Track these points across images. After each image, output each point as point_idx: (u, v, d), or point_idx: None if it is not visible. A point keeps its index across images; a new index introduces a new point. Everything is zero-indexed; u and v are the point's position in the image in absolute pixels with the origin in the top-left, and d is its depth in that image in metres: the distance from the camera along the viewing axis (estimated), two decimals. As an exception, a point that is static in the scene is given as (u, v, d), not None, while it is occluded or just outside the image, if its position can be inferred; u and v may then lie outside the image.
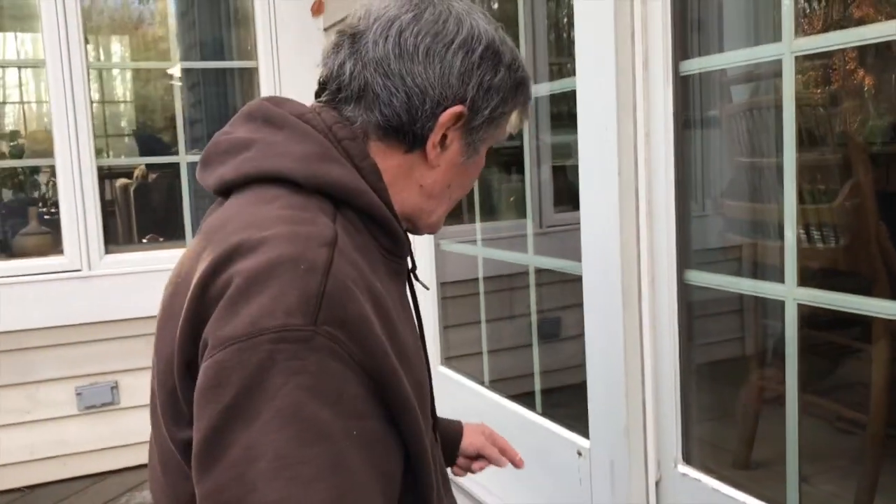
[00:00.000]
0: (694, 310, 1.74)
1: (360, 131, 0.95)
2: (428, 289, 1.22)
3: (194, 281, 0.84)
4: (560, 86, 2.13)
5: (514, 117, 1.04)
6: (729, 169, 2.38)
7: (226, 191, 0.96)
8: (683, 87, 1.66)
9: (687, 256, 1.67)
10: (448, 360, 2.87)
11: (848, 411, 2.33)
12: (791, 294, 1.43)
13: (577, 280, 3.37)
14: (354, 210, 0.91)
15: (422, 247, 2.81)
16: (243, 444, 0.75)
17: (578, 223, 1.81)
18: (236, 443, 0.75)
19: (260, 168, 0.92)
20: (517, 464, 1.39)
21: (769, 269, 2.10)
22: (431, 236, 2.82)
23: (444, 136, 0.97)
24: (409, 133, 0.95)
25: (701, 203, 2.26)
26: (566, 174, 3.89)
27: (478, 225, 2.73)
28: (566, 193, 3.79)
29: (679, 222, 1.66)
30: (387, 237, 0.94)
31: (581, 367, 2.14)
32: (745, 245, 2.25)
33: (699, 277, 1.65)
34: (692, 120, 1.75)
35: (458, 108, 0.94)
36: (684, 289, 1.67)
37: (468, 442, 1.38)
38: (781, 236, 1.48)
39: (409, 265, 1.04)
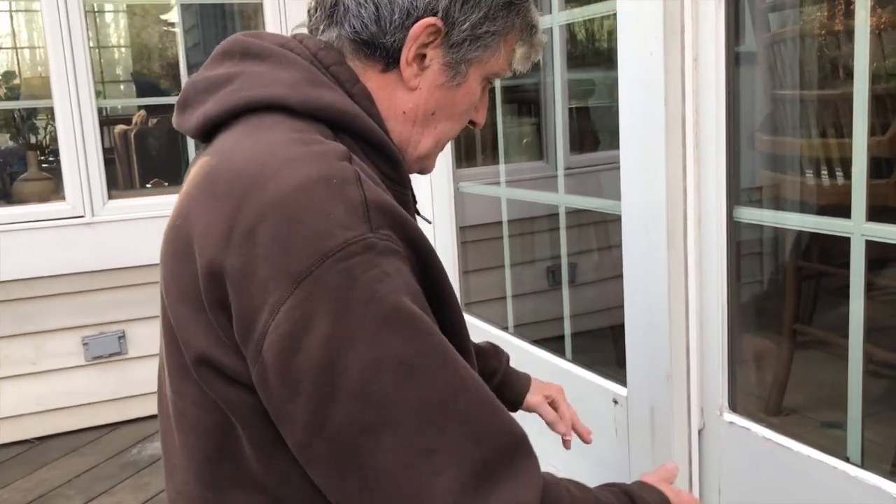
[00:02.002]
0: (742, 250, 1.64)
1: (338, 52, 0.92)
2: (430, 222, 1.16)
3: (211, 222, 0.79)
4: (596, 10, 2.00)
5: (519, 51, 0.98)
6: (781, 101, 2.25)
7: (210, 131, 0.90)
8: (736, 8, 1.53)
9: (736, 192, 1.57)
10: (468, 307, 2.78)
11: (884, 353, 2.24)
12: (859, 229, 1.33)
13: (604, 222, 3.30)
14: (350, 135, 0.88)
15: (441, 189, 2.70)
16: (359, 365, 0.73)
17: (596, 164, 1.70)
18: (351, 367, 0.73)
19: (249, 97, 0.87)
20: (585, 438, 1.39)
21: (823, 208, 2.01)
22: (451, 179, 2.70)
23: (423, 56, 0.91)
24: (380, 47, 0.90)
25: (750, 138, 2.14)
26: (587, 114, 3.76)
27: (501, 167, 2.61)
28: (586, 135, 3.67)
29: (729, 156, 1.55)
30: (386, 163, 0.91)
31: (610, 311, 2.04)
32: (793, 182, 2.13)
33: (751, 215, 1.55)
34: (744, 46, 1.63)
35: (430, 20, 0.89)
36: (733, 227, 1.56)
37: (527, 398, 1.35)
38: (843, 170, 1.37)
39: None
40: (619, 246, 1.73)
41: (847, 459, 1.41)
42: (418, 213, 1.03)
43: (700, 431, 1.68)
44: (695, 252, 1.61)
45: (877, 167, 1.38)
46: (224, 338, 0.80)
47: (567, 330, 2.31)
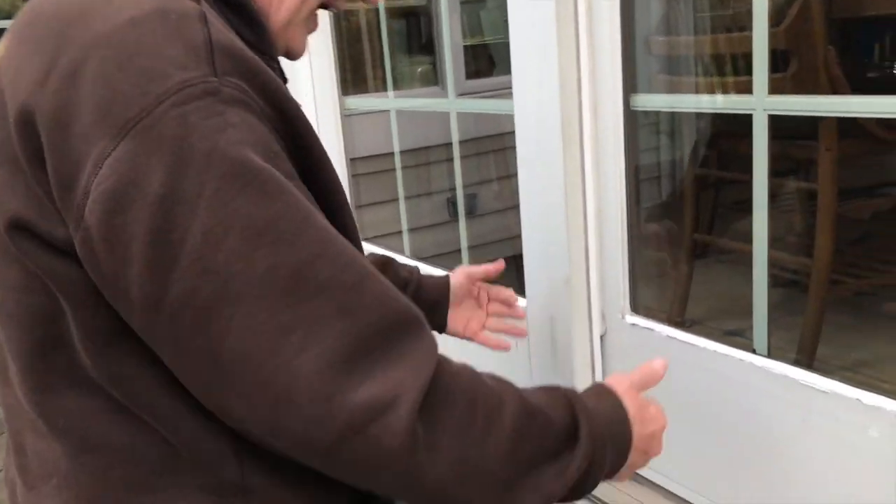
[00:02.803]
0: (640, 144, 1.55)
1: None
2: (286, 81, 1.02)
3: (27, 66, 0.68)
4: None
5: None
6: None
7: None
8: None
9: (633, 80, 1.47)
10: (363, 242, 2.64)
11: (787, 258, 2.23)
12: (761, 104, 1.25)
13: (503, 149, 3.19)
14: None
15: (326, 116, 2.53)
16: (197, 229, 0.63)
17: (497, 89, 1.57)
18: (188, 232, 0.63)
19: None
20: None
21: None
22: (337, 105, 2.53)
23: None
24: None
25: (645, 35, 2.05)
26: (481, 35, 3.63)
27: (388, 77, 2.45)
28: (481, 59, 3.55)
29: (624, 43, 1.44)
30: (248, 27, 0.79)
31: (512, 240, 1.94)
32: (689, 83, 2.06)
33: (648, 101, 1.45)
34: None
35: None
36: (631, 116, 1.47)
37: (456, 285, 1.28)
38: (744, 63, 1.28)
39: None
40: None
41: (754, 352, 1.35)
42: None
43: (602, 337, 1.60)
44: (591, 149, 1.51)
45: (773, 61, 1.29)
46: (47, 200, 0.68)
47: (465, 261, 2.20)
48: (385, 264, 1.22)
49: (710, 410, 1.39)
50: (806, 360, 1.90)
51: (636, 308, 1.56)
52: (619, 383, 0.91)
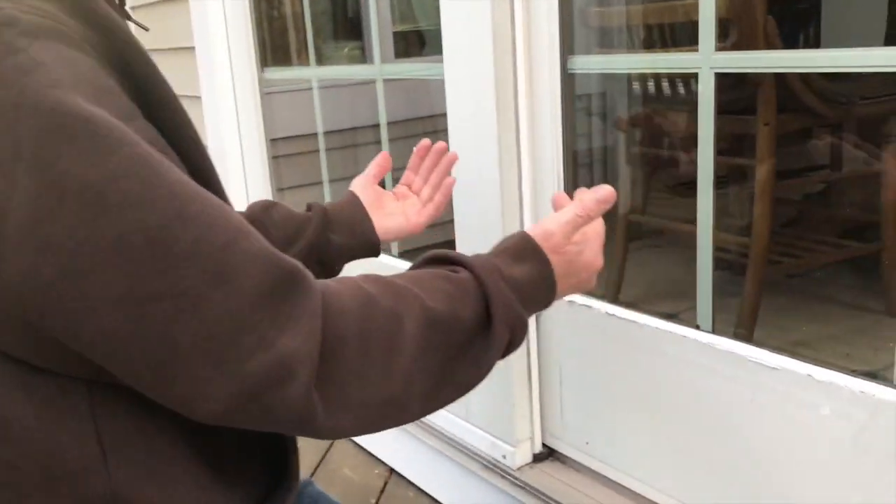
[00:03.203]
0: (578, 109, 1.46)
1: None
2: (147, 29, 0.88)
3: None
4: None
5: None
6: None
7: None
8: None
9: (570, 42, 1.38)
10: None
11: (725, 237, 2.18)
12: (707, 62, 1.17)
13: (435, 132, 3.08)
14: None
15: (244, 94, 2.38)
16: (24, 196, 0.52)
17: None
18: (14, 200, 0.52)
19: None
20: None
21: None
22: (256, 81, 2.38)
23: None
24: None
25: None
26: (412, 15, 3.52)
27: (311, 48, 2.32)
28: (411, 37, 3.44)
29: (561, 2, 1.35)
30: None
31: (444, 225, 1.84)
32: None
33: (587, 63, 1.36)
34: None
35: None
36: (568, 79, 1.38)
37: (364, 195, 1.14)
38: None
39: None
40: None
41: (698, 328, 1.27)
42: (130, 18, 0.76)
43: (538, 316, 1.51)
44: (527, 117, 1.41)
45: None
46: None
47: (396, 249, 2.09)
48: (267, 209, 1.07)
49: (653, 391, 1.31)
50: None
51: (574, 285, 1.47)
52: (549, 236, 0.79)
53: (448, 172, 1.19)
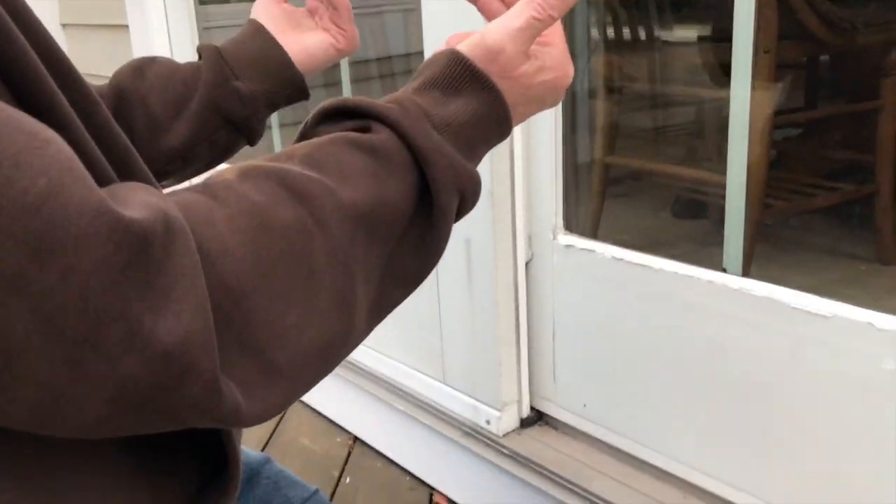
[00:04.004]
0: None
1: None
2: None
3: None
4: None
5: None
6: None
7: None
8: None
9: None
10: (223, 162, 2.25)
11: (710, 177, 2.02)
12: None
13: (392, 75, 2.84)
14: None
15: (181, 37, 2.10)
16: None
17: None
18: None
19: None
20: None
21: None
22: (193, 19, 2.11)
23: None
24: None
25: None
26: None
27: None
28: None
29: None
30: None
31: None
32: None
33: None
34: None
35: None
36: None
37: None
38: None
39: None
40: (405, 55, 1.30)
41: (724, 271, 1.10)
42: None
43: (528, 263, 1.32)
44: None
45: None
46: None
47: None
48: (139, 70, 0.81)
49: (669, 346, 1.14)
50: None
51: (570, 225, 1.29)
52: (495, 55, 0.56)
53: None
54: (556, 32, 0.61)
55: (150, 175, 0.52)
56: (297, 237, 0.45)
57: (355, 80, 1.84)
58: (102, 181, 0.43)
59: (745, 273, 1.08)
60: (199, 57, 0.82)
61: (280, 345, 0.44)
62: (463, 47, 0.57)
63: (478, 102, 0.55)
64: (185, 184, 0.52)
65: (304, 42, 0.82)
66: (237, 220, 0.44)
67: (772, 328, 1.02)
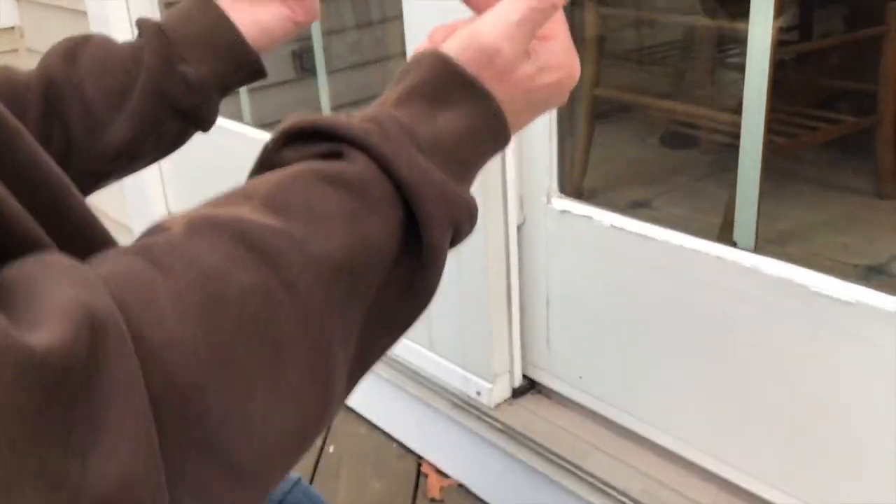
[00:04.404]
0: None
1: None
2: None
3: None
4: None
5: None
6: None
7: None
8: None
9: None
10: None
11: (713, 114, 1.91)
12: None
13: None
14: None
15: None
16: None
17: None
18: None
19: None
20: None
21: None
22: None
23: None
24: None
25: None
26: None
27: None
28: None
29: None
30: None
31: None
32: None
33: None
34: None
35: None
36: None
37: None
38: None
39: None
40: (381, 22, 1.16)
41: (735, 246, 1.01)
42: None
43: (520, 227, 1.22)
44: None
45: None
46: None
47: (325, 103, 1.75)
48: (71, 54, 0.68)
49: (673, 322, 1.06)
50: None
51: (564, 188, 1.19)
52: (492, 56, 0.46)
53: None
54: (558, 23, 0.50)
55: (89, 211, 0.42)
56: (259, 307, 0.36)
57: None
58: (24, 241, 0.35)
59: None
60: (139, 33, 0.70)
61: (244, 441, 0.36)
62: (451, 49, 0.47)
63: (471, 114, 0.46)
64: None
65: (257, 15, 0.70)
66: (186, 295, 0.34)
67: (788, 311, 0.94)
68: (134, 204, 2.03)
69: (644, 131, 2.31)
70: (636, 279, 1.09)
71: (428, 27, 0.51)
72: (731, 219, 1.63)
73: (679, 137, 2.22)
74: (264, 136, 1.68)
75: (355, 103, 2.30)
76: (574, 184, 1.96)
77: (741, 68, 1.99)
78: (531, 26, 0.47)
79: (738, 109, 1.67)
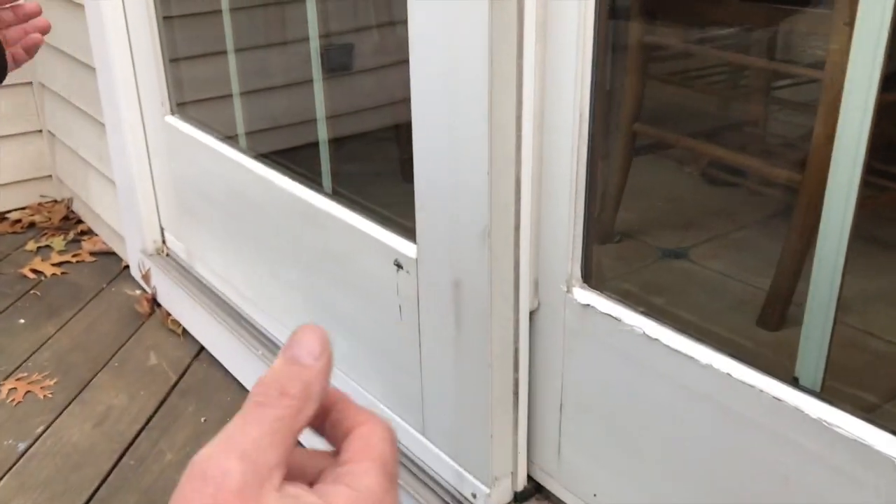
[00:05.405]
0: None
1: None
2: None
3: None
4: None
5: None
6: None
7: None
8: None
9: None
10: (182, 107, 1.92)
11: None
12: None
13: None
14: None
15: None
16: None
17: None
18: None
19: None
20: None
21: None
22: None
23: None
24: None
25: None
26: None
27: None
28: None
29: None
30: None
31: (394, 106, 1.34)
32: None
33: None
34: None
35: None
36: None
37: None
38: None
39: None
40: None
41: (796, 382, 0.81)
42: None
43: (533, 314, 1.03)
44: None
45: None
46: None
47: (322, 136, 1.55)
48: None
49: (718, 466, 0.87)
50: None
51: (589, 277, 0.99)
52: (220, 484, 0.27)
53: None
54: (365, 429, 0.33)
55: None
56: None
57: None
58: None
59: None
60: None
61: None
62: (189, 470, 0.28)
63: None
64: None
65: None
66: None
67: (862, 480, 0.74)
68: (128, 220, 1.87)
69: (685, 160, 2.09)
70: (670, 402, 0.89)
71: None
72: (783, 270, 1.41)
73: (723, 171, 2.01)
74: (257, 166, 1.50)
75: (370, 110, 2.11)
76: (605, 225, 1.76)
77: (797, 105, 1.75)
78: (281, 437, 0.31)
79: (796, 166, 1.46)
